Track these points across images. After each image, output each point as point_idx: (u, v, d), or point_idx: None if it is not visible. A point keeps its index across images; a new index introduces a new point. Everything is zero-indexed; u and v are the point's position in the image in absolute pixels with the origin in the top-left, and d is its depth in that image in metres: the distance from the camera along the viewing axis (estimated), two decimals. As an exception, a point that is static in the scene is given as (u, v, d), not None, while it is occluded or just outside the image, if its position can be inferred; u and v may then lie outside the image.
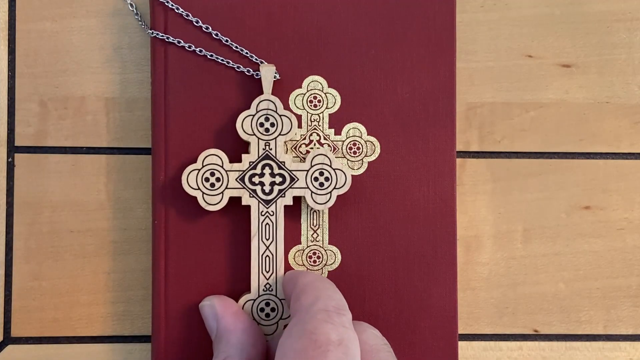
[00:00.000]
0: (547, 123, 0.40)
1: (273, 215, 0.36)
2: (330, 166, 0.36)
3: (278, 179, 0.36)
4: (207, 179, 0.35)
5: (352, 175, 0.37)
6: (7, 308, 0.39)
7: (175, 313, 0.36)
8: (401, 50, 0.38)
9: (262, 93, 0.36)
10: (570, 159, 0.41)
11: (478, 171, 0.40)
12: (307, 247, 0.37)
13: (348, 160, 0.37)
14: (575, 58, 0.41)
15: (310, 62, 0.38)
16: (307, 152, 0.37)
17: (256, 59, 0.37)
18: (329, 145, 0.37)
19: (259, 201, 0.36)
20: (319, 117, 0.37)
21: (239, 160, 0.36)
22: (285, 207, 0.36)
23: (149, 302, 0.39)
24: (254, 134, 0.36)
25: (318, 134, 0.37)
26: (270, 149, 0.36)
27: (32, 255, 0.39)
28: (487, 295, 0.40)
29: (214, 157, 0.35)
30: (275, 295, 0.36)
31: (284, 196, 0.36)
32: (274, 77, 0.36)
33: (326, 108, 0.38)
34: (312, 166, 0.36)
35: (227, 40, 0.36)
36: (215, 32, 0.36)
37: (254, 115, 0.36)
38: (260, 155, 0.36)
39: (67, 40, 0.39)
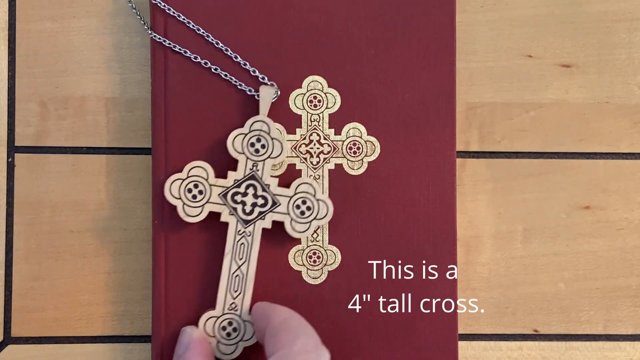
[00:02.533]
0: (547, 123, 0.40)
1: (250, 236, 0.35)
2: (314, 196, 0.36)
3: (260, 201, 0.36)
4: (189, 190, 0.35)
5: (352, 175, 0.37)
6: (7, 308, 0.39)
7: (175, 313, 0.36)
8: (401, 50, 0.38)
9: (258, 112, 0.36)
10: (570, 159, 0.41)
11: (478, 171, 0.40)
12: (307, 247, 0.37)
13: (348, 160, 0.37)
14: (575, 58, 0.41)
15: (310, 62, 0.38)
16: (308, 152, 0.37)
17: (257, 74, 0.37)
18: (328, 145, 0.38)
19: (237, 220, 0.35)
20: (319, 117, 0.37)
21: (225, 176, 0.36)
22: (264, 230, 0.36)
23: (149, 302, 0.39)
24: (244, 153, 0.36)
25: (318, 134, 0.37)
26: (257, 170, 0.35)
27: (32, 255, 0.39)
28: (487, 295, 0.40)
29: (199, 169, 0.35)
30: (239, 316, 0.35)
31: (264, 219, 0.36)
32: (274, 97, 0.36)
33: (326, 108, 0.38)
34: (295, 193, 0.36)
35: (227, 50, 0.36)
36: (216, 40, 0.36)
37: (246, 135, 0.36)
38: (246, 174, 0.35)
39: (67, 40, 0.39)
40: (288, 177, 0.37)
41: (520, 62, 0.40)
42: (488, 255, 0.40)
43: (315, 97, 0.38)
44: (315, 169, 0.37)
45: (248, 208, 0.35)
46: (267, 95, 0.36)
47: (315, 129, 0.37)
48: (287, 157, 0.37)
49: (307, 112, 0.37)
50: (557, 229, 0.40)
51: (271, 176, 0.36)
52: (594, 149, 0.41)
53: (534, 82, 0.40)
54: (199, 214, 0.35)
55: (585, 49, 0.41)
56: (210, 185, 0.35)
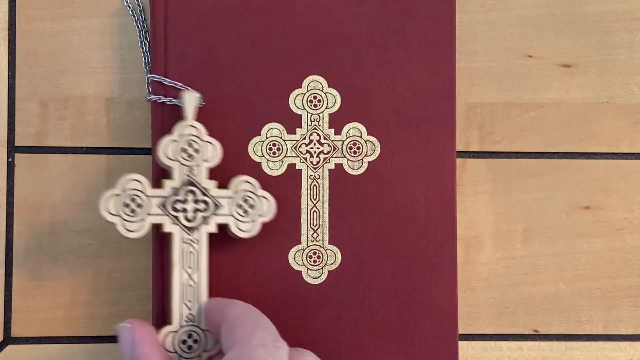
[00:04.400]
0: (547, 123, 0.40)
1: (197, 242, 0.35)
2: (255, 193, 0.35)
3: (202, 206, 0.35)
4: (127, 205, 0.34)
5: (352, 175, 0.37)
6: (7, 308, 0.39)
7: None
8: (401, 50, 0.38)
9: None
10: (570, 159, 0.41)
11: (478, 171, 0.40)
12: (307, 247, 0.37)
13: (348, 160, 0.37)
14: (575, 58, 0.41)
15: (310, 62, 0.38)
16: (308, 152, 0.37)
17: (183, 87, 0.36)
18: (328, 145, 0.38)
19: (181, 228, 0.34)
20: (319, 117, 0.37)
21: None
22: (211, 235, 0.35)
23: (149, 302, 0.39)
24: (177, 160, 0.35)
25: (318, 134, 0.37)
26: (195, 175, 0.35)
27: (32, 255, 0.39)
28: (487, 295, 0.40)
29: (134, 182, 0.34)
30: (198, 327, 0.34)
31: (208, 223, 0.35)
32: (200, 102, 0.36)
33: (326, 108, 0.38)
34: (236, 192, 0.35)
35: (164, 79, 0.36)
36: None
37: (177, 141, 0.35)
38: (183, 181, 0.35)
39: (67, 40, 0.39)
40: (288, 177, 0.37)
41: (520, 62, 0.40)
42: (488, 255, 0.40)
43: (315, 97, 0.38)
44: (315, 169, 0.37)
45: (190, 215, 0.34)
46: (190, 99, 0.35)
47: (315, 128, 0.37)
48: (287, 157, 0.37)
49: (307, 112, 0.38)
50: (557, 229, 0.40)
51: (209, 179, 0.35)
52: (594, 149, 0.41)
53: (534, 82, 0.40)
54: (140, 229, 0.34)
55: (585, 49, 0.41)
56: (148, 196, 0.34)
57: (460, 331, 0.40)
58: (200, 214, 0.35)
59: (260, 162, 0.37)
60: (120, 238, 0.39)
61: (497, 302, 0.40)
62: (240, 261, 0.37)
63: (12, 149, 0.39)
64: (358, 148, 0.38)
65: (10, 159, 0.39)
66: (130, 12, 0.39)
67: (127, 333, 0.33)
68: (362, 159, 0.38)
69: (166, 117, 0.37)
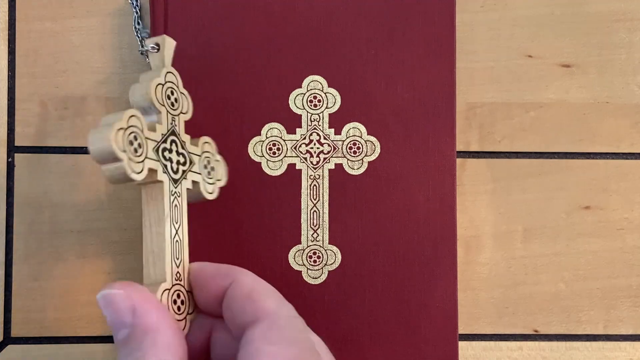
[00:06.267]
0: (547, 123, 0.40)
1: (180, 196, 0.32)
2: (214, 157, 0.34)
3: (181, 159, 0.32)
4: (131, 142, 0.29)
5: (352, 175, 0.37)
6: (7, 308, 0.39)
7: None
8: (401, 50, 0.38)
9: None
10: (570, 159, 0.41)
11: (478, 171, 0.40)
12: (307, 246, 0.37)
13: (348, 160, 0.37)
14: (575, 58, 0.41)
15: (310, 62, 0.38)
16: (308, 152, 0.37)
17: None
18: (328, 145, 0.38)
19: (169, 178, 0.31)
20: (319, 116, 0.37)
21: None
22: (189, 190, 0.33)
23: (149, 302, 0.38)
24: (164, 105, 0.32)
25: (318, 134, 0.37)
26: (176, 125, 0.32)
27: (32, 255, 0.39)
28: (487, 295, 0.40)
29: (135, 118, 0.30)
30: (183, 286, 0.31)
31: (186, 178, 0.32)
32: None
33: (326, 108, 0.38)
34: (202, 152, 0.33)
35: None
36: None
37: (163, 85, 0.32)
38: (169, 129, 0.32)
39: (67, 40, 0.39)
40: (288, 177, 0.37)
41: (520, 62, 0.40)
42: (488, 255, 0.40)
43: (315, 97, 0.38)
44: (315, 168, 0.37)
45: (174, 166, 0.32)
46: (169, 44, 0.33)
47: (315, 128, 0.37)
48: (287, 156, 0.37)
49: (307, 112, 0.38)
50: (557, 229, 0.40)
51: (185, 133, 0.33)
52: (594, 149, 0.41)
53: (534, 82, 0.40)
54: (141, 171, 0.29)
55: (585, 49, 0.41)
56: (145, 138, 0.30)
57: (460, 331, 0.40)
58: (181, 167, 0.32)
59: (260, 162, 0.37)
60: (120, 238, 0.39)
61: (497, 302, 0.40)
62: (240, 261, 0.37)
63: (12, 149, 0.39)
64: (358, 148, 0.38)
65: (10, 159, 0.39)
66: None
67: (120, 299, 0.27)
68: (362, 159, 0.38)
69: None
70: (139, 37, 0.38)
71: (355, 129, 0.38)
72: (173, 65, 0.33)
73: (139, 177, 0.29)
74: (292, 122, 0.37)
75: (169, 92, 0.32)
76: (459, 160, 0.40)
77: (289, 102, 0.37)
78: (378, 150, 0.38)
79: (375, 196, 0.37)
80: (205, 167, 0.34)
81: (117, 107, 0.39)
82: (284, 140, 0.37)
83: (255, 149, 0.37)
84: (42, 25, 0.39)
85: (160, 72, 0.32)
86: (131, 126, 0.29)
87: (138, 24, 0.39)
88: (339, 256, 0.37)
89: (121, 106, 0.39)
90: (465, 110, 0.40)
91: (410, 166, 0.38)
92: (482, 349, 0.40)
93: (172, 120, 0.32)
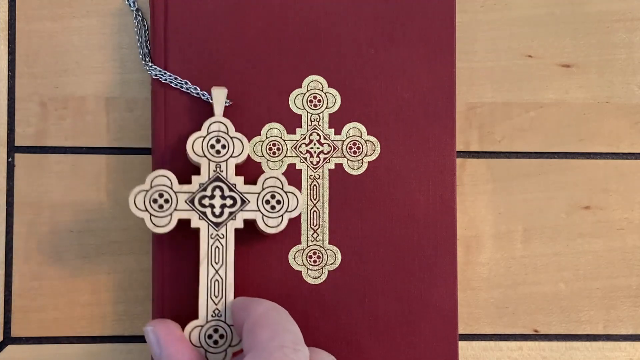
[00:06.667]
0: (547, 123, 0.40)
1: (223, 238, 0.35)
2: (282, 189, 0.35)
3: (229, 201, 0.35)
4: (155, 200, 0.34)
5: (352, 175, 0.37)
6: (7, 308, 0.39)
7: (175, 313, 0.36)
8: (401, 50, 0.38)
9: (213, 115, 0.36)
10: (570, 159, 0.41)
11: (478, 171, 0.40)
12: (307, 247, 0.37)
13: (348, 160, 0.37)
14: (575, 58, 0.41)
15: (310, 62, 0.38)
16: (308, 152, 0.37)
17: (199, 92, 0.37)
18: (328, 145, 0.38)
19: (208, 224, 0.35)
20: (319, 117, 0.38)
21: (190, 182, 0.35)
22: (237, 230, 0.35)
23: (149, 302, 0.38)
24: (205, 156, 0.35)
25: (318, 134, 0.37)
26: (222, 171, 0.35)
27: (32, 255, 0.39)
28: (487, 295, 0.40)
29: (162, 177, 0.35)
30: (224, 322, 0.35)
31: (235, 219, 0.35)
32: (226, 102, 0.36)
33: (326, 108, 0.38)
34: (263, 189, 0.35)
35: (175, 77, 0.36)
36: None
37: (204, 137, 0.35)
38: (210, 177, 0.35)
39: (67, 40, 0.39)
40: (288, 177, 0.37)
41: (520, 62, 0.40)
42: (488, 255, 0.40)
43: (315, 97, 0.38)
44: (315, 169, 0.37)
45: (217, 210, 0.35)
46: (219, 95, 0.36)
47: (315, 128, 0.37)
48: (287, 156, 0.37)
49: (307, 112, 0.38)
50: (557, 229, 0.40)
51: (236, 175, 0.35)
52: (594, 149, 0.41)
53: (534, 82, 0.40)
54: (167, 224, 0.34)
55: (585, 49, 0.41)
56: (176, 192, 0.35)
57: (460, 331, 0.40)
58: (227, 210, 0.35)
59: (260, 162, 0.37)
60: (120, 238, 0.39)
61: (497, 302, 0.40)
62: (240, 261, 0.37)
63: (12, 149, 0.39)
64: (358, 148, 0.38)
65: (10, 159, 0.39)
66: (132, 7, 0.39)
67: (151, 335, 0.33)
68: (362, 159, 0.38)
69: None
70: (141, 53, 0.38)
71: (355, 129, 0.38)
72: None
73: (163, 230, 0.34)
74: (292, 122, 0.37)
75: (213, 142, 0.35)
76: (459, 160, 0.40)
77: (289, 102, 0.37)
78: (378, 150, 0.38)
79: (375, 196, 0.37)
80: (268, 202, 0.35)
81: (117, 107, 0.39)
82: (284, 140, 0.37)
83: (255, 149, 0.37)
84: (42, 25, 0.39)
85: (204, 125, 0.35)
86: (156, 186, 0.34)
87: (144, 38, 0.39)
88: (339, 256, 0.37)
89: (121, 106, 0.39)
90: (465, 110, 0.40)
91: (410, 166, 0.38)
92: (482, 349, 0.40)
93: (217, 167, 0.35)
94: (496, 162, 0.40)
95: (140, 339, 0.39)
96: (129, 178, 0.39)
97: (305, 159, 0.37)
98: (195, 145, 0.35)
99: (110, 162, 0.39)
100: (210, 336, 0.35)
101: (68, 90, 0.39)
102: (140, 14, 0.39)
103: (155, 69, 0.36)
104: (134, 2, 0.39)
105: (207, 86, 0.37)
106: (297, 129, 0.37)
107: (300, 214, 0.37)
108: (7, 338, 0.39)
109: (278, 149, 0.37)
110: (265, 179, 0.35)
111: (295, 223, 0.37)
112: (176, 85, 0.36)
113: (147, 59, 0.37)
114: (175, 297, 0.36)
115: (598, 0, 0.41)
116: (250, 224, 0.36)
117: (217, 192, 0.35)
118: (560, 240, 0.40)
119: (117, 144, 0.39)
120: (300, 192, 0.37)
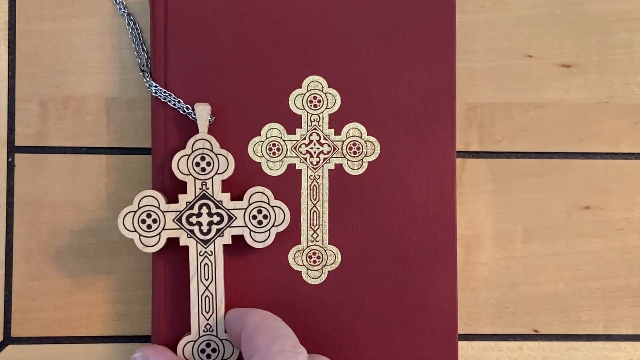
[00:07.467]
0: (547, 123, 0.40)
1: (212, 255, 0.35)
2: (269, 203, 0.36)
3: (216, 218, 0.35)
4: (143, 221, 0.35)
5: (352, 175, 0.37)
6: (7, 308, 0.39)
7: (175, 313, 0.36)
8: (401, 50, 0.38)
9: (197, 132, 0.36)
10: (570, 159, 0.41)
11: (478, 171, 0.40)
12: (307, 247, 0.37)
13: (348, 160, 0.37)
14: (575, 58, 0.41)
15: (310, 62, 0.38)
16: (308, 153, 0.37)
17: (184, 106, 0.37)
18: (328, 146, 0.38)
19: (196, 241, 0.35)
20: (319, 117, 0.37)
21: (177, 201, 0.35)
22: (225, 246, 0.36)
23: (149, 302, 0.39)
24: (190, 174, 0.35)
25: (318, 134, 0.37)
26: (208, 188, 0.35)
27: (32, 255, 0.39)
28: (487, 295, 0.40)
29: (150, 198, 0.35)
30: (216, 336, 0.35)
31: (222, 235, 0.35)
32: (209, 119, 0.36)
33: (326, 108, 0.38)
34: (250, 204, 0.35)
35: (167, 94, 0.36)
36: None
37: (189, 155, 0.35)
38: (197, 195, 0.35)
39: (67, 40, 0.39)
40: (288, 177, 0.37)
41: (520, 62, 0.40)
42: (488, 255, 0.40)
43: (315, 97, 0.38)
44: (315, 169, 0.37)
45: (205, 228, 0.35)
46: (203, 112, 0.36)
47: (315, 129, 0.37)
48: (287, 157, 0.37)
49: (307, 112, 0.38)
50: (557, 229, 0.40)
51: (222, 192, 0.35)
52: (594, 149, 0.41)
53: (534, 82, 0.40)
54: (156, 243, 0.35)
55: (585, 49, 0.41)
56: (163, 212, 0.35)
57: (460, 331, 0.40)
58: (215, 227, 0.35)
59: (260, 162, 0.37)
60: (120, 238, 0.39)
61: (497, 302, 0.40)
62: (240, 261, 0.37)
63: (12, 149, 0.39)
64: (358, 148, 0.38)
65: (10, 159, 0.39)
66: (121, 11, 0.39)
67: (139, 358, 0.34)
68: (362, 159, 0.38)
69: (168, 115, 0.37)
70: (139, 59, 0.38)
71: (355, 129, 0.38)
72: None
73: (153, 250, 0.35)
74: (292, 122, 0.37)
75: (198, 159, 0.35)
76: (459, 160, 0.40)
77: (289, 102, 0.37)
78: (378, 150, 0.38)
79: (375, 196, 0.37)
80: (255, 217, 0.35)
81: (117, 107, 0.39)
82: (284, 141, 0.37)
83: (255, 149, 0.37)
84: (42, 25, 0.39)
85: (188, 143, 0.35)
86: (143, 206, 0.35)
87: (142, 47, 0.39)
88: (339, 256, 0.37)
89: (121, 106, 0.39)
90: (465, 110, 0.40)
91: (410, 166, 0.38)
92: (482, 349, 0.40)
93: (203, 184, 0.35)
94: (496, 162, 0.40)
95: (140, 339, 0.39)
96: (129, 178, 0.39)
97: (305, 159, 0.37)
98: (181, 164, 0.35)
99: (110, 162, 0.39)
100: (203, 350, 0.35)
101: (68, 90, 0.39)
102: (132, 17, 0.39)
103: (152, 84, 0.36)
104: (124, 7, 0.39)
105: (208, 88, 0.37)
106: (297, 129, 0.37)
107: (300, 214, 0.37)
108: (7, 338, 0.39)
109: (278, 149, 0.37)
110: (252, 194, 0.36)
111: (295, 223, 0.37)
112: (171, 103, 0.36)
113: (146, 74, 0.37)
114: (175, 297, 0.36)
115: (598, 0, 0.41)
116: (240, 236, 0.36)
117: (204, 210, 0.35)
118: (560, 240, 0.40)
119: (117, 144, 0.39)
120: (301, 192, 0.37)
